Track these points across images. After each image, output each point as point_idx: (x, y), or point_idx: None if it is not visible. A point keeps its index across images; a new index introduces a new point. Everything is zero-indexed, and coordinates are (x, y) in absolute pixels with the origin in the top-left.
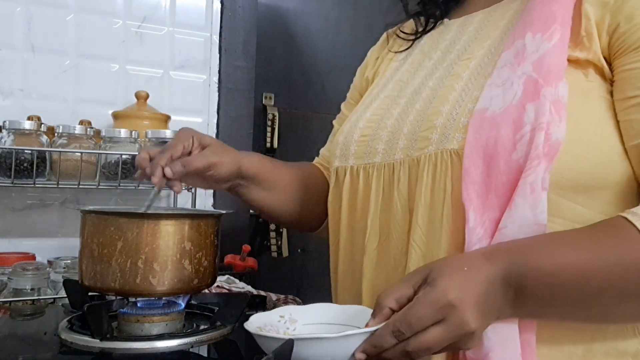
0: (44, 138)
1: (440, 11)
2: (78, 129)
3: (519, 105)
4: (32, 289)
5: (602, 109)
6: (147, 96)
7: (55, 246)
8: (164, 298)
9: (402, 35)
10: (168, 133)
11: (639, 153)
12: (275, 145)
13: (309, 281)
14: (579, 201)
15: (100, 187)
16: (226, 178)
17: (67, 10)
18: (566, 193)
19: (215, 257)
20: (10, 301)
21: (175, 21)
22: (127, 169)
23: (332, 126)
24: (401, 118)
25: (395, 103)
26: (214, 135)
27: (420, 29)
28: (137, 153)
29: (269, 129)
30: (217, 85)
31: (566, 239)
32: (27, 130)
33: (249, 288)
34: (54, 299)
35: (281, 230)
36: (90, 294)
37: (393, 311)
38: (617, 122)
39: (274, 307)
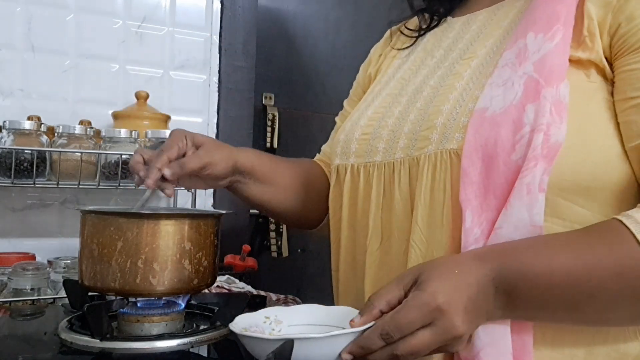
0: (44, 138)
1: (445, 9)
2: (78, 129)
3: (519, 105)
4: (32, 289)
5: (604, 109)
6: (147, 96)
7: (55, 246)
8: (163, 298)
9: (405, 31)
10: (168, 133)
11: (638, 154)
12: (275, 145)
13: (309, 281)
14: (579, 202)
15: (100, 187)
16: (223, 175)
17: (67, 10)
18: (566, 194)
19: (215, 257)
20: (10, 301)
21: (175, 21)
22: (127, 169)
23: (332, 126)
24: (402, 117)
25: (397, 101)
26: (214, 136)
27: (424, 26)
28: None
29: (269, 129)
30: (217, 85)
31: (560, 241)
32: (27, 130)
33: (249, 288)
34: (54, 299)
35: (281, 230)
36: (90, 294)
37: (382, 313)
38: (618, 123)
39: None
